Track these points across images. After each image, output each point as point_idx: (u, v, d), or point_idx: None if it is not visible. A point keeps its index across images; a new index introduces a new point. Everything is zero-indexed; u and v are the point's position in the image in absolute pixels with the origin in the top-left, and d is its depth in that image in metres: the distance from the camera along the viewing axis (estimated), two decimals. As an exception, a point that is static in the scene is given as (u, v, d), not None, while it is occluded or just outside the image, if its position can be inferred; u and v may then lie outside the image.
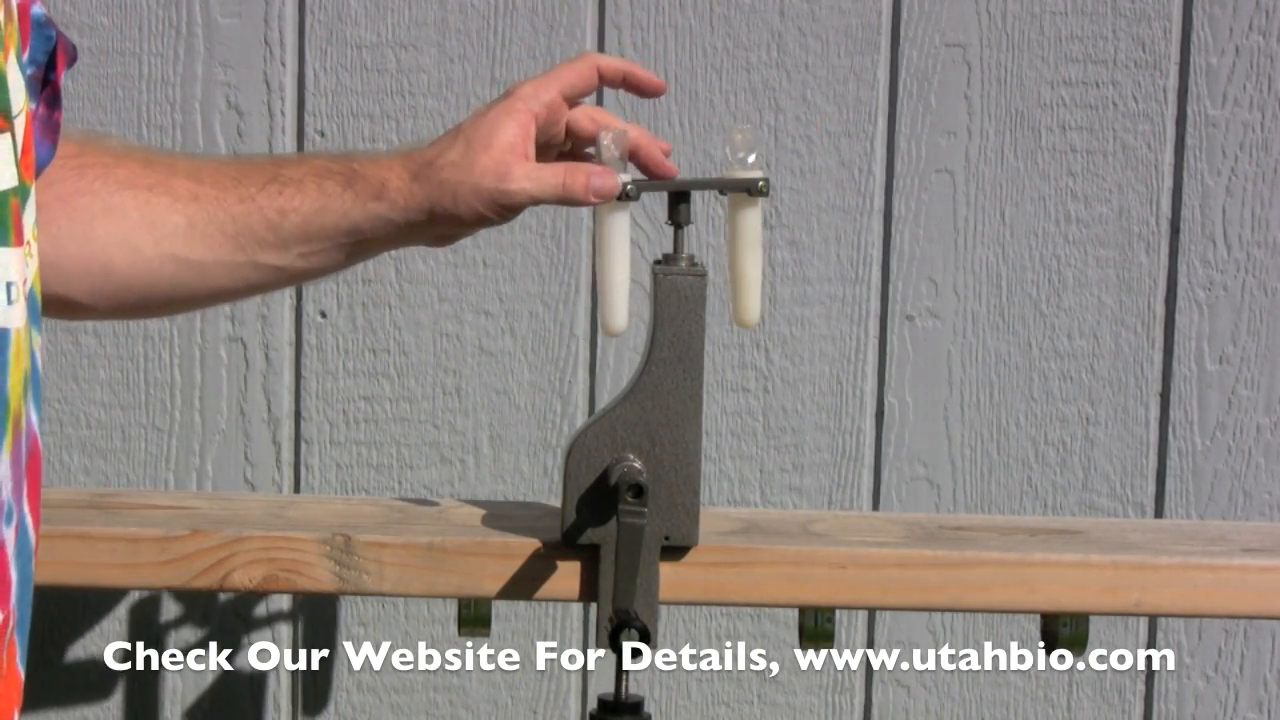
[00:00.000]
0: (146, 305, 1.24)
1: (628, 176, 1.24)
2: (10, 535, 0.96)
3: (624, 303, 1.26)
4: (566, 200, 1.23)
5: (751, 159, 1.26)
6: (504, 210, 1.22)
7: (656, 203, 1.65)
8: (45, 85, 1.11)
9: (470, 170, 1.21)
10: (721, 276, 1.67)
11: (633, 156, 1.27)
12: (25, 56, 1.02)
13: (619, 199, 1.24)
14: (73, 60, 1.16)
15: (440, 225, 1.23)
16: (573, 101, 1.27)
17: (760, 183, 1.25)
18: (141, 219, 1.20)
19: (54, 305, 1.18)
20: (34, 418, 0.99)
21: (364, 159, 1.24)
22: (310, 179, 1.23)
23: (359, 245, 1.24)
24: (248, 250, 1.22)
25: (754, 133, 1.29)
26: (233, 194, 1.22)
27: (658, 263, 1.26)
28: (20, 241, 0.96)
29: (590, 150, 1.28)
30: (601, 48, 1.69)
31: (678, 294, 1.25)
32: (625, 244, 1.25)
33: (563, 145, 1.29)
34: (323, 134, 1.70)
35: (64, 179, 1.18)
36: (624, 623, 1.19)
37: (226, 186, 1.23)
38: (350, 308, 1.72)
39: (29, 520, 0.99)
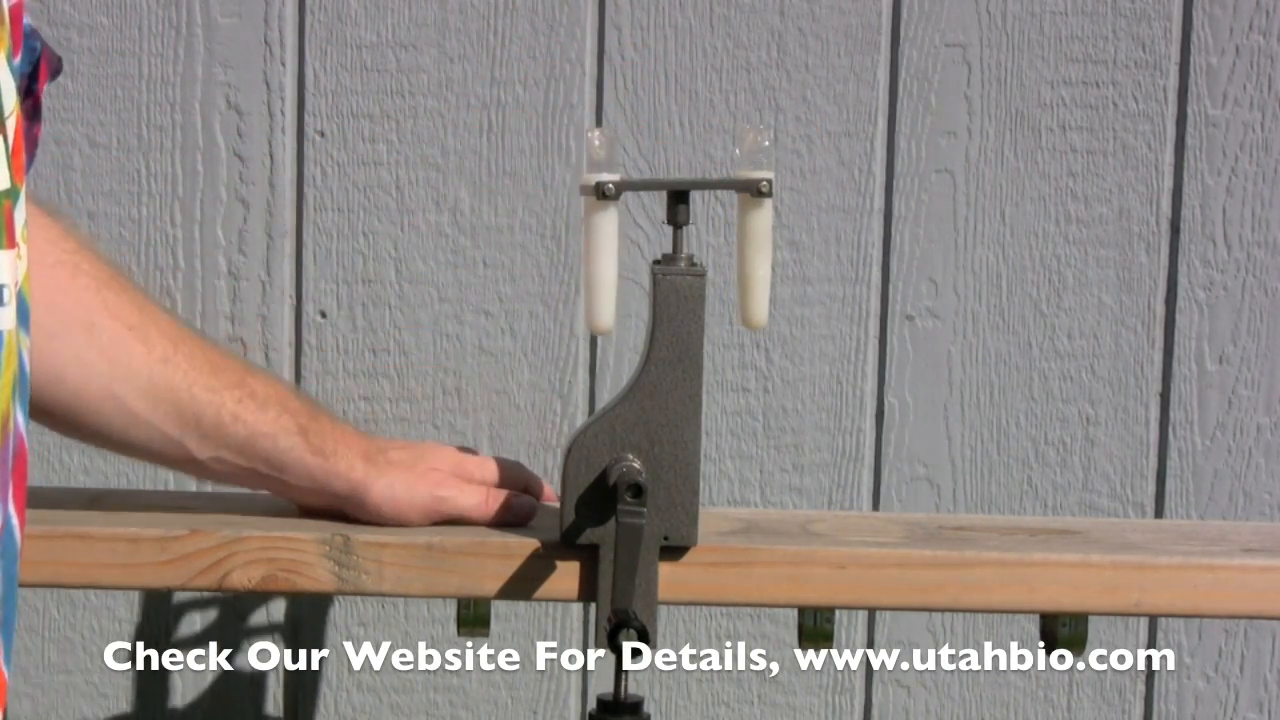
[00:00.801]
0: (60, 422, 1.24)
1: (613, 176, 1.24)
2: None
3: (611, 302, 1.26)
4: (484, 518, 1.30)
5: (762, 160, 1.26)
6: (426, 514, 1.28)
7: (656, 202, 1.65)
8: (27, 96, 1.11)
9: (412, 470, 1.29)
10: (721, 277, 1.68)
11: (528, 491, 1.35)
12: (17, 60, 1.02)
13: (601, 197, 1.24)
14: (56, 73, 1.16)
15: (356, 509, 1.28)
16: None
17: (763, 183, 1.25)
18: (109, 348, 1.22)
19: None
20: (21, 419, 0.99)
21: (325, 417, 1.29)
22: (273, 404, 1.27)
23: (269, 481, 1.28)
24: (184, 430, 1.25)
25: (768, 134, 1.29)
26: (203, 382, 1.25)
27: (657, 263, 1.26)
28: (12, 244, 0.96)
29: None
30: (601, 48, 1.69)
31: (677, 294, 1.25)
32: (613, 243, 1.25)
33: None
34: (323, 134, 1.70)
35: (61, 266, 1.20)
36: (622, 622, 1.19)
37: (201, 369, 1.25)
38: (350, 308, 1.72)
39: (14, 521, 0.99)
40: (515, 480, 1.34)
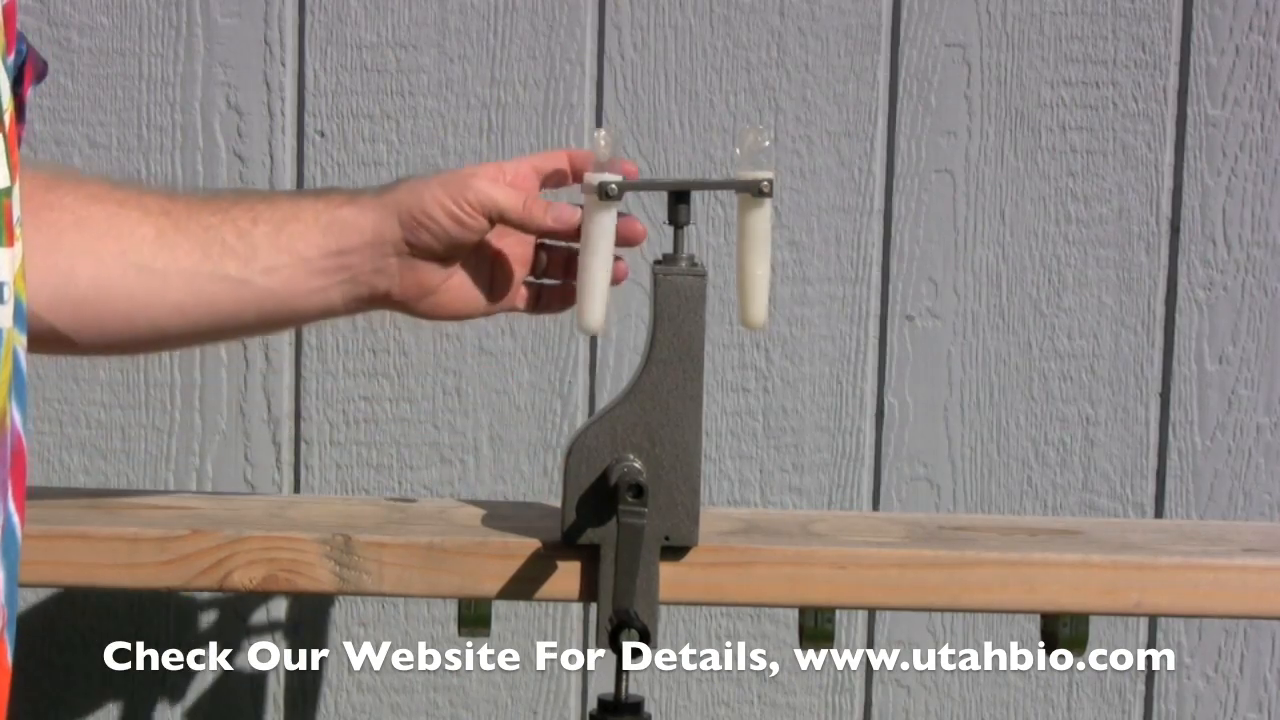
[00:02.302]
0: (103, 322, 1.21)
1: (615, 176, 1.24)
2: None
3: (603, 301, 1.25)
4: (525, 217, 1.25)
5: (763, 160, 1.26)
6: (470, 207, 1.24)
7: (657, 203, 1.65)
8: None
9: (432, 179, 1.25)
10: (721, 277, 1.68)
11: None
12: (10, 59, 1.02)
13: (603, 197, 1.24)
14: (41, 76, 1.16)
15: (413, 234, 1.24)
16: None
17: (764, 183, 1.25)
18: (109, 229, 1.20)
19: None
20: (18, 418, 0.99)
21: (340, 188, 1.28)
22: (283, 198, 1.25)
23: (328, 261, 1.23)
24: (213, 258, 1.21)
25: (768, 134, 1.29)
26: (206, 208, 1.23)
27: (658, 263, 1.26)
28: (11, 241, 0.97)
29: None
30: (601, 48, 1.69)
31: (678, 294, 1.25)
32: (610, 243, 1.25)
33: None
34: (323, 134, 1.70)
35: (34, 194, 1.18)
36: (624, 623, 1.19)
37: (200, 203, 1.23)
38: (350, 308, 1.72)
39: (15, 519, 0.99)
40: (551, 177, 1.30)
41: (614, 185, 1.24)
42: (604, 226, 1.25)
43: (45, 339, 1.18)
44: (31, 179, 1.18)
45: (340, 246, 1.24)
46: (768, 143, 1.27)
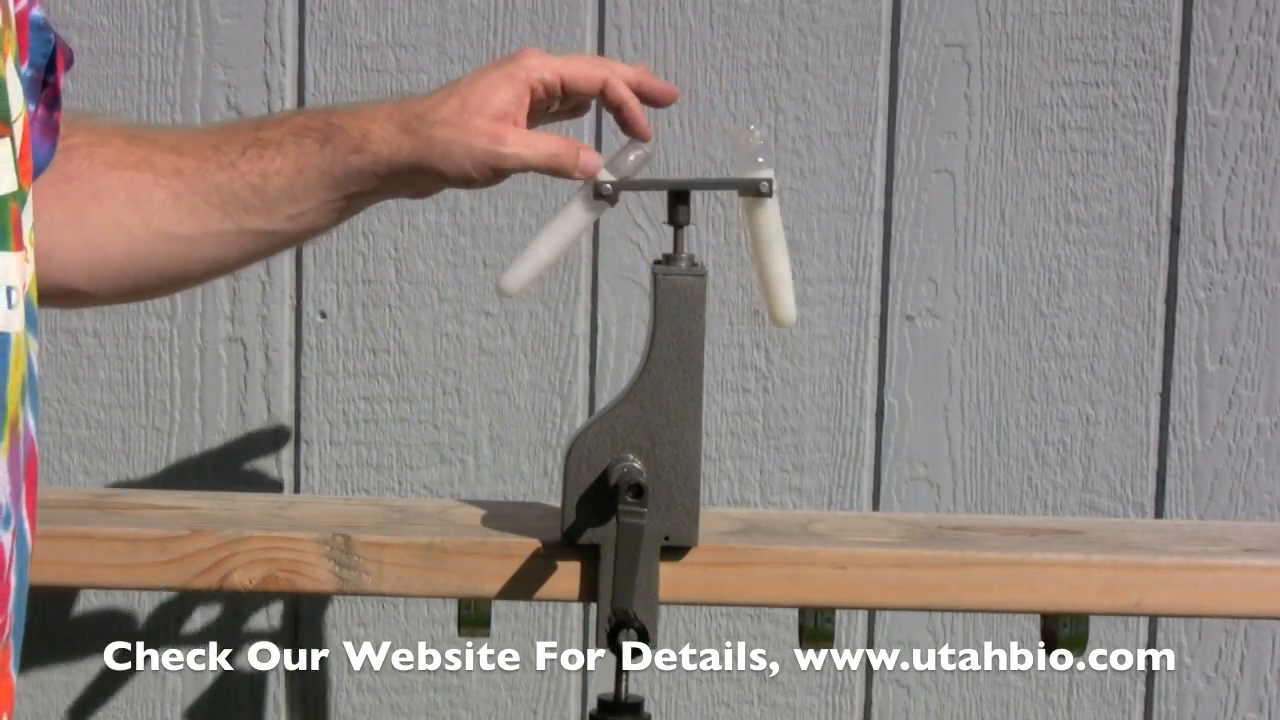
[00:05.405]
0: (144, 287, 1.23)
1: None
2: (8, 540, 0.96)
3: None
4: (555, 169, 1.23)
5: (762, 159, 1.26)
6: (493, 173, 1.22)
7: (656, 202, 1.65)
8: (45, 87, 1.11)
9: (464, 130, 1.21)
10: (721, 277, 1.68)
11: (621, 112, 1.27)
12: (24, 67, 1.02)
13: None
14: (70, 63, 1.16)
15: (423, 179, 1.22)
16: (569, 93, 1.26)
17: (764, 183, 1.25)
18: (129, 199, 1.20)
19: (54, 295, 1.18)
20: (31, 422, 0.99)
21: (344, 112, 1.23)
22: (289, 139, 1.22)
23: (345, 201, 1.23)
24: (235, 218, 1.21)
25: (760, 131, 1.28)
26: (213, 163, 1.22)
27: (657, 263, 1.26)
28: (20, 246, 0.96)
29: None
30: (601, 48, 1.69)
31: (678, 294, 1.25)
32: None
33: (551, 107, 1.28)
34: (323, 134, 1.70)
35: (52, 165, 1.18)
36: (623, 623, 1.19)
37: (207, 156, 1.22)
38: (350, 308, 1.72)
39: (26, 525, 0.99)
40: (583, 85, 1.25)
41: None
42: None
43: (60, 294, 1.20)
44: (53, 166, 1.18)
45: (353, 192, 1.22)
46: (760, 140, 1.26)
